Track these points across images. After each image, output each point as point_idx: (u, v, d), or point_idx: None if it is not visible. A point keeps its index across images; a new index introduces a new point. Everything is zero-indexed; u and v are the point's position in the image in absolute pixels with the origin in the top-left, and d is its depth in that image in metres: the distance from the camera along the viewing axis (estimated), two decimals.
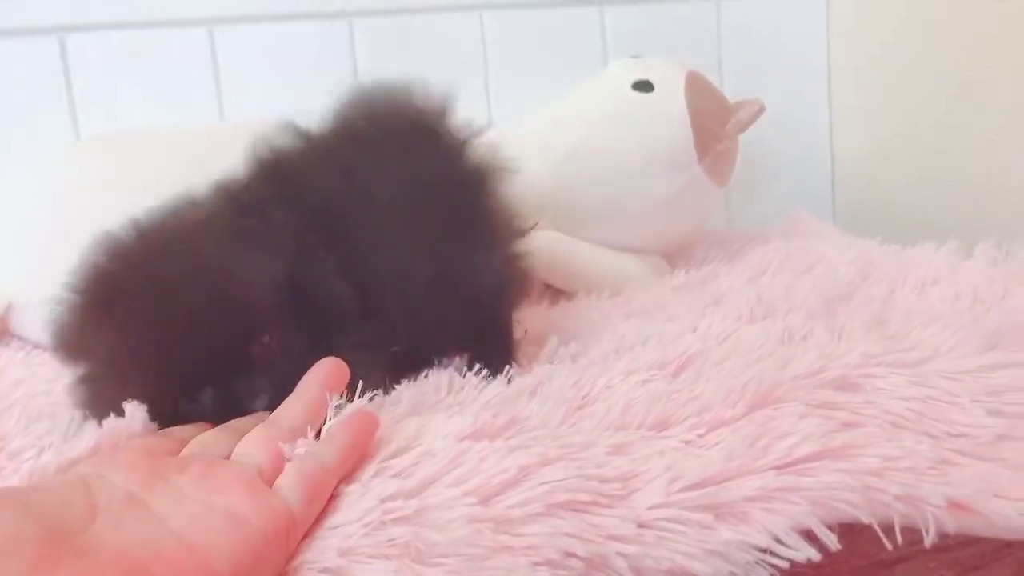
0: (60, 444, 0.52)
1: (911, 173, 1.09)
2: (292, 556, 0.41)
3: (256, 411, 0.51)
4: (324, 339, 0.54)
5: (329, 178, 0.59)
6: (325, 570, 0.39)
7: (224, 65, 1.05)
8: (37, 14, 0.99)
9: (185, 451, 0.47)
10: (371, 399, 0.53)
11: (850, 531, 0.46)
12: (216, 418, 0.51)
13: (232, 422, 0.51)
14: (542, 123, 0.96)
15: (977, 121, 0.97)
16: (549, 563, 0.40)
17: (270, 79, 1.06)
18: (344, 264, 0.56)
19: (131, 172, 0.82)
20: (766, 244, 0.98)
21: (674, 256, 0.98)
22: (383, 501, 0.42)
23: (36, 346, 0.82)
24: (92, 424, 0.52)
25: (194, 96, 1.04)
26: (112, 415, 0.50)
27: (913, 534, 0.47)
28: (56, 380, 0.72)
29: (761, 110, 0.94)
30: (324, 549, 0.40)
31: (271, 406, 0.51)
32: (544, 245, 0.89)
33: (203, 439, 0.48)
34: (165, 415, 0.51)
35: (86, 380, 0.53)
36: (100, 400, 0.52)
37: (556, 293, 0.91)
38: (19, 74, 1.00)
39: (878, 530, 0.44)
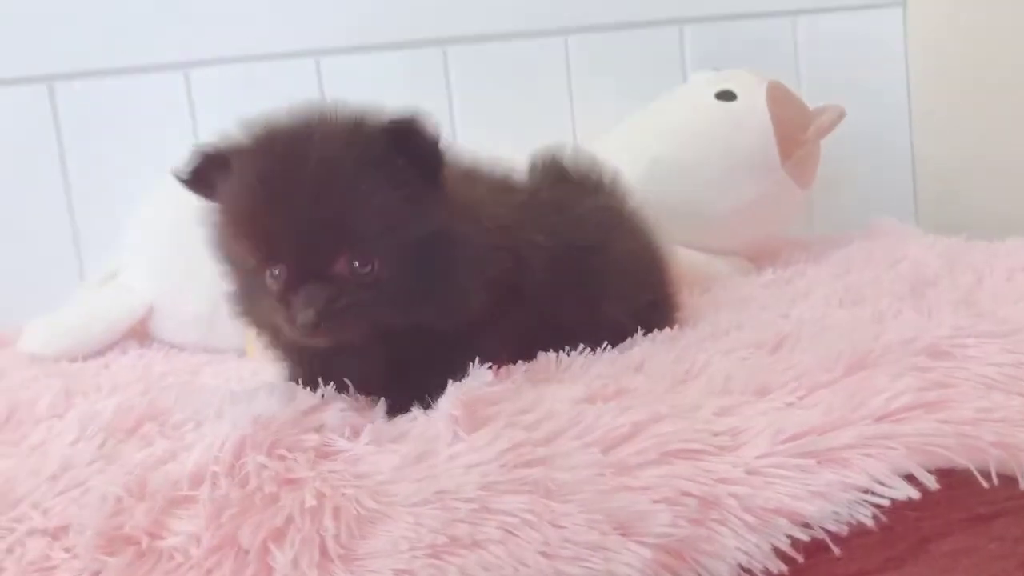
0: (215, 419, 0.58)
1: (993, 175, 1.10)
2: None
3: (297, 323, 0.52)
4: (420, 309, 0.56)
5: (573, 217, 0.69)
6: (468, 500, 0.44)
7: (200, 107, 1.10)
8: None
9: None
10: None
11: (949, 484, 0.48)
12: (275, 303, 0.54)
13: None
14: (628, 133, 1.01)
15: None
16: (667, 500, 0.45)
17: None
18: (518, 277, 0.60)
19: None
20: (849, 245, 1.01)
21: (759, 258, 1.02)
22: (516, 446, 0.47)
23: (172, 346, 0.90)
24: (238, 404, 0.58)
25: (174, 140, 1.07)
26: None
27: (1010, 489, 0.49)
28: (196, 372, 0.80)
29: (841, 116, 0.98)
30: (464, 484, 0.45)
31: (316, 325, 0.52)
32: None
33: None
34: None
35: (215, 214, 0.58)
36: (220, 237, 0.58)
37: None
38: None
39: (977, 475, 0.47)
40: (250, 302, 0.59)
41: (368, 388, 0.59)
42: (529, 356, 0.65)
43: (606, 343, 0.67)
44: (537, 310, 0.63)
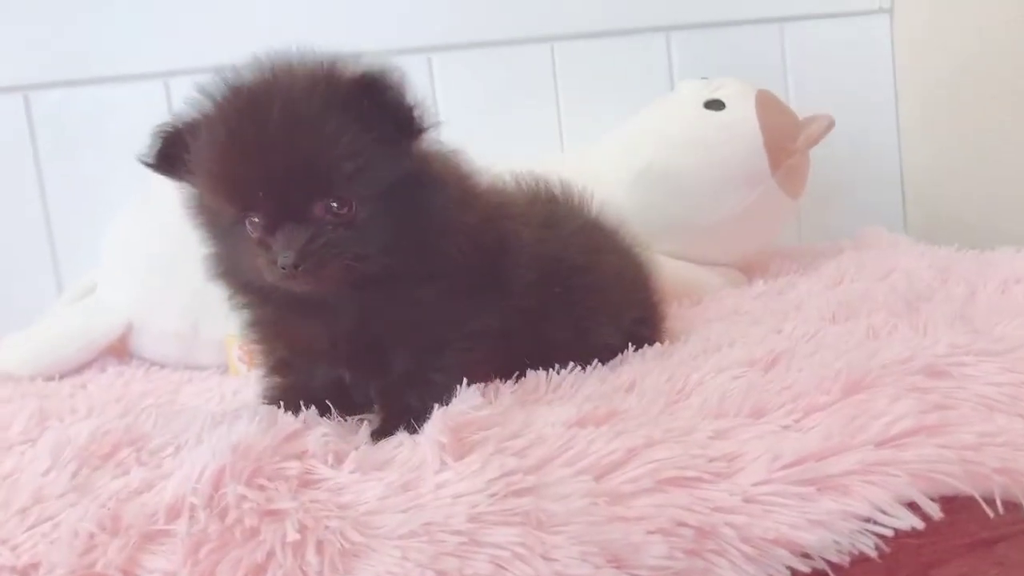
0: (194, 445, 0.56)
1: (981, 182, 1.09)
2: None
3: (279, 264, 0.53)
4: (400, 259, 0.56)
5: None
6: (456, 532, 0.42)
7: None
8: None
9: None
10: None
11: (951, 510, 0.47)
12: (255, 248, 0.55)
13: None
14: (616, 142, 1.00)
15: None
16: (662, 531, 0.43)
17: None
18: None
19: None
20: (839, 255, 1.00)
21: (749, 269, 1.01)
22: (505, 474, 0.45)
23: (153, 363, 0.88)
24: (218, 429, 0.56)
25: None
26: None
27: (1013, 514, 0.48)
28: (177, 391, 0.78)
29: (831, 125, 0.97)
30: (452, 515, 0.43)
31: (295, 266, 0.52)
32: None
33: None
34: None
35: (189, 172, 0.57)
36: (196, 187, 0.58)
37: None
38: None
39: (982, 502, 0.46)
40: (229, 260, 0.59)
41: (336, 357, 0.60)
42: (516, 371, 0.64)
43: (596, 361, 0.66)
44: (525, 321, 0.62)
